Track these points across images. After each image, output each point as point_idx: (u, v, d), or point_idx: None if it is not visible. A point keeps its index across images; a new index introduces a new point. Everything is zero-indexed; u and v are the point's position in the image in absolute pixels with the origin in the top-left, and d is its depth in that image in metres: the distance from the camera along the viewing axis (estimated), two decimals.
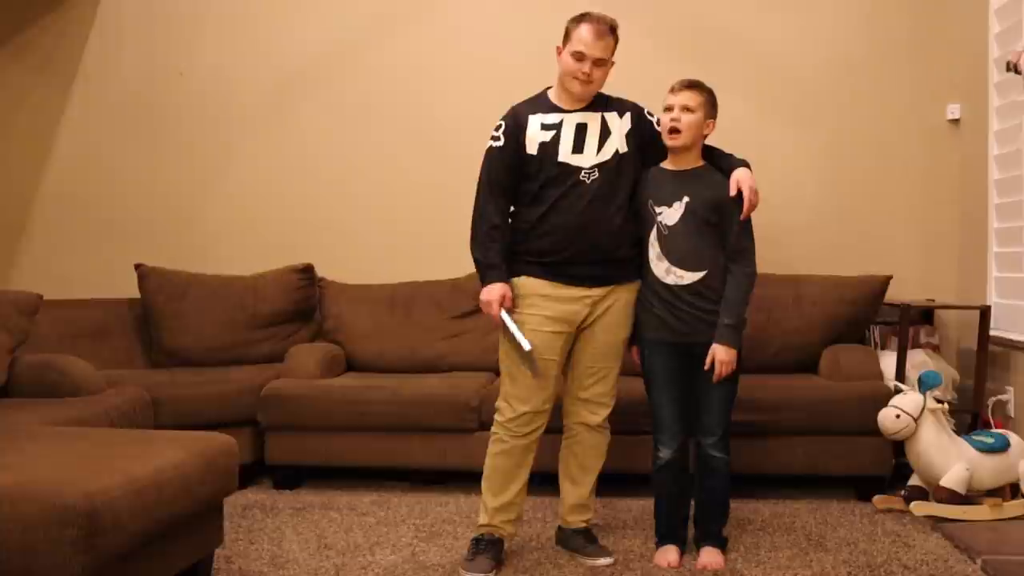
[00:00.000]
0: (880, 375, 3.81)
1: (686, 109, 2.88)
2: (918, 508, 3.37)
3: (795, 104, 4.51)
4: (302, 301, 4.58)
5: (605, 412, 3.05)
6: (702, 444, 2.94)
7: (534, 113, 2.99)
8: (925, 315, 4.29)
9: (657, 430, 2.98)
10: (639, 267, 2.95)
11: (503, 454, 2.97)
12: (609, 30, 2.91)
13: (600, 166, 2.91)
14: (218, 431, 2.82)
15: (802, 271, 4.25)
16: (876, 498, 3.56)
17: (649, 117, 3.03)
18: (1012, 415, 3.79)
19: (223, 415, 3.87)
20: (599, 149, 2.93)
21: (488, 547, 2.94)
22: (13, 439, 2.65)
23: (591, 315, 2.95)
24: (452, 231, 4.68)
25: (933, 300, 4.28)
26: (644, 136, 2.99)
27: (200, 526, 2.69)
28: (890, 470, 3.66)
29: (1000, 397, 3.85)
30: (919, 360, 3.94)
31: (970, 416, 3.90)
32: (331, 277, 4.63)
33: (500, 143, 2.97)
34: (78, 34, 4.92)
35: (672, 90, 2.94)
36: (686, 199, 2.87)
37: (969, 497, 3.35)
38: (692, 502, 3.04)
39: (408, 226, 4.70)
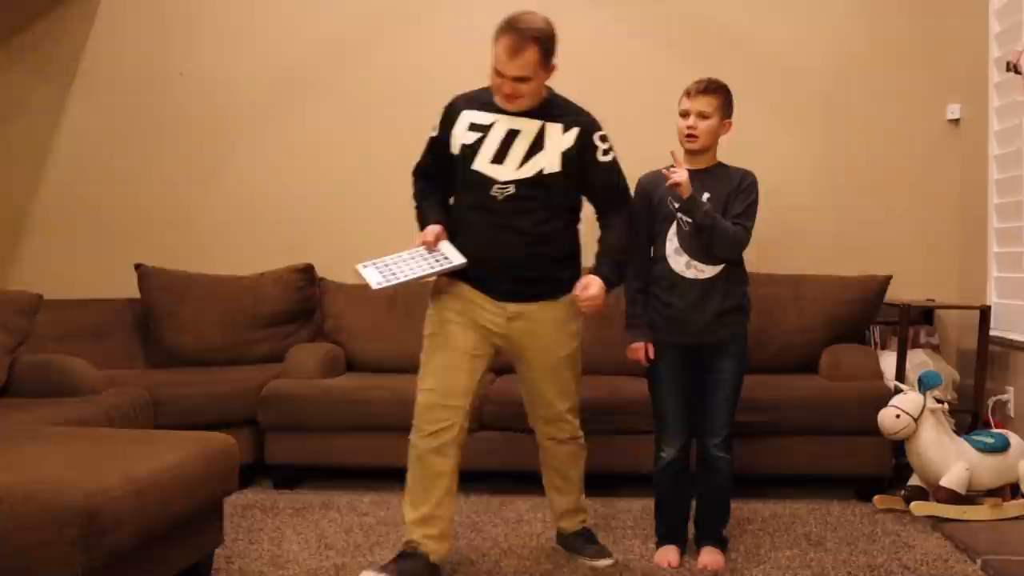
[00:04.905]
0: (880, 375, 3.81)
1: (702, 116, 2.88)
2: (918, 508, 3.37)
3: (795, 104, 4.51)
4: (302, 301, 4.58)
5: (570, 427, 2.95)
6: (704, 444, 2.94)
7: (469, 108, 2.76)
8: (925, 315, 4.29)
9: (660, 430, 2.98)
10: (566, 281, 2.77)
11: (416, 461, 2.73)
12: (532, 41, 2.57)
13: (518, 182, 2.67)
14: (218, 431, 2.82)
15: (802, 271, 4.25)
16: (876, 498, 3.56)
17: (598, 143, 2.74)
18: (1012, 415, 3.79)
19: (223, 415, 3.87)
20: (522, 163, 2.68)
21: (406, 561, 2.70)
22: (13, 439, 2.65)
23: (513, 333, 2.77)
24: None
25: (933, 300, 4.29)
26: (583, 161, 2.72)
27: (200, 526, 2.69)
28: (890, 470, 3.66)
29: (1000, 397, 3.85)
30: (919, 360, 3.94)
31: (970, 416, 3.90)
32: (331, 277, 4.63)
33: (435, 133, 2.81)
34: (78, 34, 4.92)
35: (688, 94, 2.90)
36: (707, 195, 2.87)
37: (969, 497, 3.35)
38: (693, 502, 3.04)
39: (408, 226, 4.63)
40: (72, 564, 2.05)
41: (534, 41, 2.58)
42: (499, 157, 2.68)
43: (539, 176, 2.67)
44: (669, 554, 2.96)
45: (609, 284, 2.78)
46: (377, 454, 3.86)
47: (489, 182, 2.68)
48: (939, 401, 3.47)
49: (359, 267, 2.72)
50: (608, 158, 2.78)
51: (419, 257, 2.71)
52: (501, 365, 4.25)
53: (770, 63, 4.51)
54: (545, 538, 3.21)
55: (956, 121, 4.40)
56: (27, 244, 4.98)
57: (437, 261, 2.70)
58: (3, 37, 4.96)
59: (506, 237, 2.69)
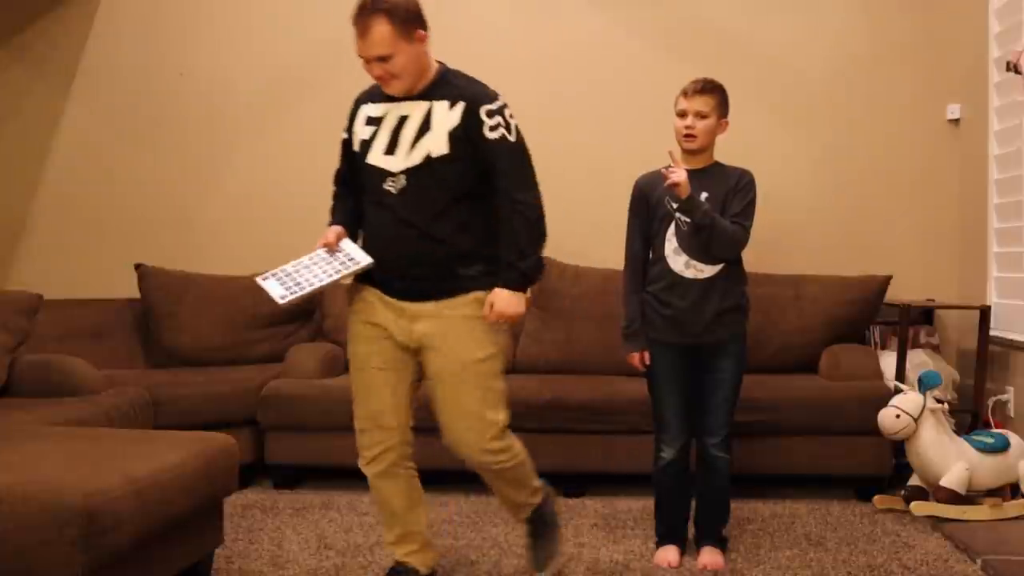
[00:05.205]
0: (880, 375, 3.81)
1: (700, 116, 2.88)
2: (918, 508, 3.37)
3: (795, 104, 4.51)
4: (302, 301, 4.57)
5: (490, 447, 2.57)
6: (704, 444, 2.94)
7: (366, 102, 2.60)
8: (925, 315, 4.29)
9: (660, 430, 2.98)
10: (476, 278, 2.53)
11: (371, 488, 2.66)
12: (378, 14, 2.39)
13: (409, 171, 2.47)
14: (218, 431, 2.82)
15: (802, 271, 4.25)
16: (876, 498, 3.56)
17: (484, 118, 2.47)
18: (1012, 415, 3.79)
19: (223, 415, 3.87)
20: (411, 149, 2.47)
21: None
22: (13, 439, 2.65)
23: (418, 333, 2.53)
24: None
25: (933, 300, 4.29)
26: (471, 139, 2.47)
27: (200, 526, 2.69)
28: (890, 470, 3.66)
29: (1000, 397, 3.85)
30: (919, 360, 3.94)
31: (970, 416, 3.90)
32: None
33: (345, 135, 2.67)
34: (78, 34, 4.92)
35: (685, 94, 2.91)
36: (705, 195, 2.87)
37: (969, 497, 3.35)
38: (692, 502, 3.04)
39: None
40: (72, 564, 2.05)
41: (381, 13, 2.39)
42: (391, 147, 2.49)
43: (427, 161, 2.45)
44: (669, 554, 2.96)
45: (516, 287, 2.52)
46: None
47: (382, 175, 2.49)
48: (939, 401, 3.47)
49: (258, 280, 2.56)
50: (495, 135, 2.47)
51: (322, 261, 2.55)
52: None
53: (770, 64, 4.51)
54: None
55: (956, 121, 4.40)
56: (27, 244, 4.98)
57: (342, 264, 2.54)
58: (3, 37, 4.96)
59: (399, 233, 2.49)
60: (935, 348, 4.21)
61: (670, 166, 2.84)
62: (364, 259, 2.54)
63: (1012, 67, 3.69)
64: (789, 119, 4.51)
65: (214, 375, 4.13)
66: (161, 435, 2.79)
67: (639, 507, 3.51)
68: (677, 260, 2.89)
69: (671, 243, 2.90)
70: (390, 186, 2.48)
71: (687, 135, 2.89)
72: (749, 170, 2.96)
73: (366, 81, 2.50)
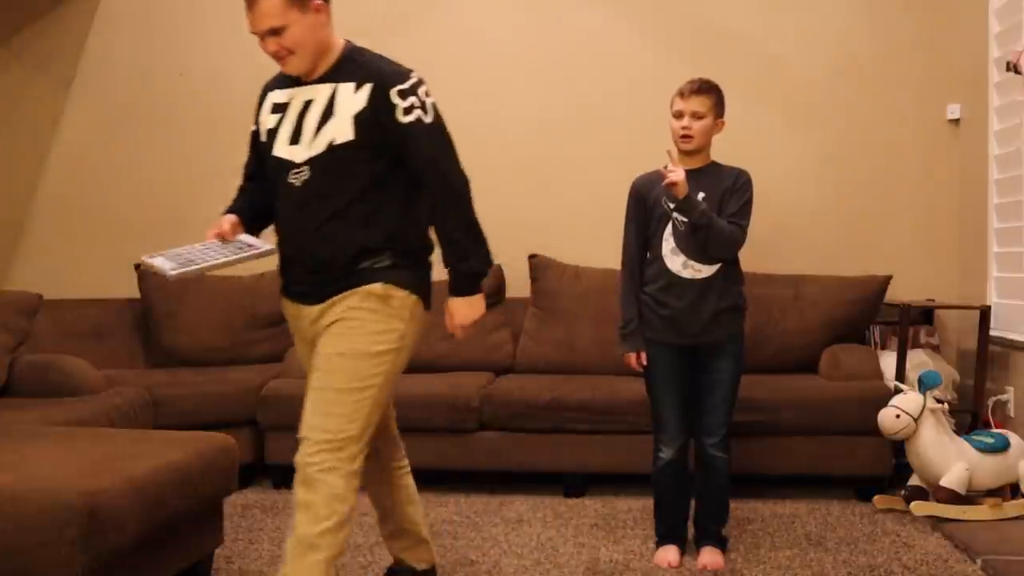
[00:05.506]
0: (880, 375, 3.81)
1: (696, 116, 2.88)
2: (918, 508, 3.37)
3: (795, 104, 4.51)
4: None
5: (319, 461, 2.20)
6: (703, 444, 2.94)
7: (272, 88, 2.39)
8: (925, 315, 4.29)
9: (659, 430, 2.98)
10: (380, 271, 2.29)
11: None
12: None
13: (312, 162, 2.25)
14: (218, 431, 2.82)
15: (802, 271, 4.25)
16: (876, 498, 3.56)
17: (396, 100, 2.22)
18: (1012, 415, 3.79)
19: (223, 415, 3.87)
20: (314, 137, 2.25)
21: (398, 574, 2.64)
22: (13, 439, 2.65)
23: (319, 332, 2.32)
24: None
25: (933, 300, 4.29)
26: (381, 124, 2.23)
27: (200, 526, 2.69)
28: (890, 470, 3.66)
29: (1000, 397, 3.85)
30: (919, 360, 3.94)
31: (970, 416, 3.90)
32: None
33: (253, 126, 2.45)
34: (77, 34, 4.92)
35: (681, 95, 2.91)
36: (701, 195, 2.87)
37: (969, 497, 3.35)
38: (692, 502, 3.04)
39: None
40: (72, 564, 2.05)
41: None
42: (296, 136, 2.27)
43: (331, 149, 2.22)
44: (669, 554, 2.96)
45: (467, 292, 2.35)
46: None
47: (287, 167, 2.28)
48: (939, 401, 3.47)
49: (145, 258, 2.33)
50: (410, 118, 2.23)
51: (215, 248, 2.34)
52: (501, 365, 4.30)
53: (770, 63, 4.51)
54: (546, 537, 3.21)
55: (956, 121, 4.40)
56: (27, 244, 4.98)
57: (239, 248, 2.35)
58: (3, 37, 4.96)
59: (303, 229, 2.28)
60: (935, 348, 4.21)
61: (668, 166, 2.84)
62: (264, 245, 2.35)
63: (1012, 67, 3.69)
64: (789, 119, 4.51)
65: (214, 375, 4.13)
66: (161, 435, 2.79)
67: (639, 507, 3.51)
68: (675, 260, 2.89)
69: (668, 243, 2.91)
70: (294, 179, 2.26)
71: (683, 136, 2.89)
72: (746, 170, 2.97)
73: None
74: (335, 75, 2.27)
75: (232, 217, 2.40)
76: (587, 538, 3.21)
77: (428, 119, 2.26)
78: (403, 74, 2.27)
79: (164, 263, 2.28)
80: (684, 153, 2.93)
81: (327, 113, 2.24)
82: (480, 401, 3.80)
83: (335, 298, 2.26)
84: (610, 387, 3.77)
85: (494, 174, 4.60)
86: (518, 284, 4.46)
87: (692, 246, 2.87)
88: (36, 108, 4.96)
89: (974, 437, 3.47)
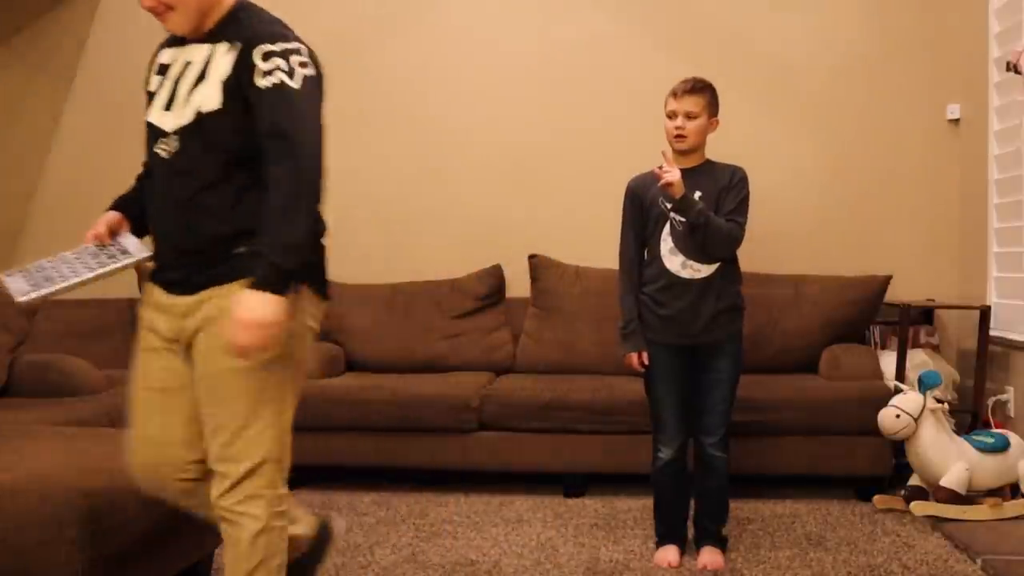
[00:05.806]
0: (880, 375, 3.81)
1: (690, 116, 2.88)
2: (918, 508, 3.37)
3: (795, 104, 4.51)
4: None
5: (236, 496, 1.95)
6: (702, 444, 2.94)
7: (164, 47, 2.10)
8: (925, 315, 4.29)
9: (658, 430, 2.98)
10: (245, 258, 1.96)
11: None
12: None
13: (181, 132, 1.97)
14: None
15: (802, 271, 4.25)
16: (876, 498, 3.56)
17: (258, 61, 1.90)
18: (1012, 415, 3.79)
19: None
20: (185, 104, 1.97)
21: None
22: (13, 439, 2.65)
23: (186, 336, 2.03)
24: (451, 231, 4.70)
25: (933, 300, 4.29)
26: (243, 88, 1.92)
27: (200, 526, 2.68)
28: (890, 470, 3.66)
29: (1000, 397, 3.85)
30: (919, 360, 3.94)
31: (970, 416, 3.90)
32: (331, 277, 4.61)
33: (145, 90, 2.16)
34: (78, 34, 4.92)
35: (674, 95, 2.91)
36: (698, 193, 2.88)
37: (969, 497, 3.35)
38: (692, 502, 3.04)
39: (408, 226, 4.69)
40: (72, 564, 2.05)
41: None
42: (170, 102, 2.00)
43: (198, 119, 1.94)
44: (669, 554, 2.96)
45: (268, 287, 1.88)
46: (377, 454, 3.86)
47: (157, 133, 2.02)
48: (939, 401, 3.47)
49: (3, 275, 2.15)
50: (268, 81, 1.91)
51: (87, 255, 2.13)
52: (501, 365, 4.30)
53: (770, 63, 4.51)
54: (546, 537, 3.21)
55: (956, 121, 4.40)
56: (27, 244, 4.98)
57: (110, 256, 2.11)
58: (3, 37, 4.96)
59: (168, 207, 2.02)
60: (935, 348, 4.21)
61: (662, 166, 2.84)
62: (139, 252, 2.09)
63: (1012, 67, 3.69)
64: (789, 119, 4.51)
65: None
66: None
67: (639, 507, 3.51)
68: (673, 260, 2.90)
69: (667, 243, 2.91)
70: (161, 149, 2.00)
71: (677, 136, 2.89)
72: (741, 167, 2.97)
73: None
74: (216, 35, 1.97)
75: (113, 216, 2.16)
76: (587, 538, 3.21)
77: (293, 84, 1.94)
78: (277, 35, 1.95)
79: (17, 283, 2.06)
80: (679, 153, 2.93)
81: (200, 77, 1.96)
82: (480, 401, 3.80)
83: (207, 292, 1.97)
84: (610, 387, 3.77)
85: (494, 174, 4.61)
86: (518, 284, 4.46)
87: (691, 246, 2.87)
88: (36, 108, 4.96)
89: (974, 437, 3.47)
